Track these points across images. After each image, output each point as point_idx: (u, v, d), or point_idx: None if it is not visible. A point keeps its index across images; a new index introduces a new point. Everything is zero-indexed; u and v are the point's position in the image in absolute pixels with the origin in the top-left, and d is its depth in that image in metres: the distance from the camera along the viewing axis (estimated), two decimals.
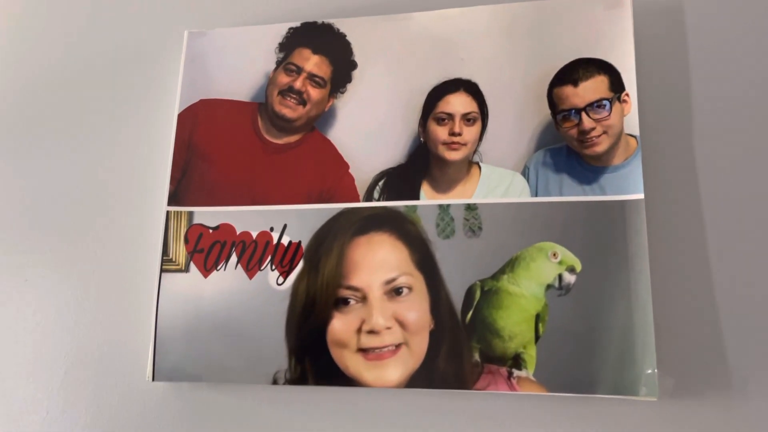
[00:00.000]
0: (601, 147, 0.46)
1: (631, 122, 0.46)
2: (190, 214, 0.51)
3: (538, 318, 0.44)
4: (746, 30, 0.48)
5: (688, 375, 0.43)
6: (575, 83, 0.47)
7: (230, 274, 0.49)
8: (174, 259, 0.50)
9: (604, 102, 0.47)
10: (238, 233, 0.50)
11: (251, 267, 0.49)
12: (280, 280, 0.49)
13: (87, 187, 0.55)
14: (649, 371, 0.41)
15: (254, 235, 0.50)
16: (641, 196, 0.44)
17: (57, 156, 0.57)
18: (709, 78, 0.48)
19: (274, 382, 0.47)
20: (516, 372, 0.44)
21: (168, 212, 0.51)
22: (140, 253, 0.52)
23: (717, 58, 0.48)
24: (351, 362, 0.46)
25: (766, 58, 0.48)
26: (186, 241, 0.51)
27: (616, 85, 0.47)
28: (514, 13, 0.50)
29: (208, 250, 0.50)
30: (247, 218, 0.50)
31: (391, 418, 0.46)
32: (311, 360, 0.47)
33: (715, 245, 0.44)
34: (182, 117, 0.53)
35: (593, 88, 0.47)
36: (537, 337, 0.44)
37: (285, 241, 0.49)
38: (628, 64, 0.47)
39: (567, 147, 0.47)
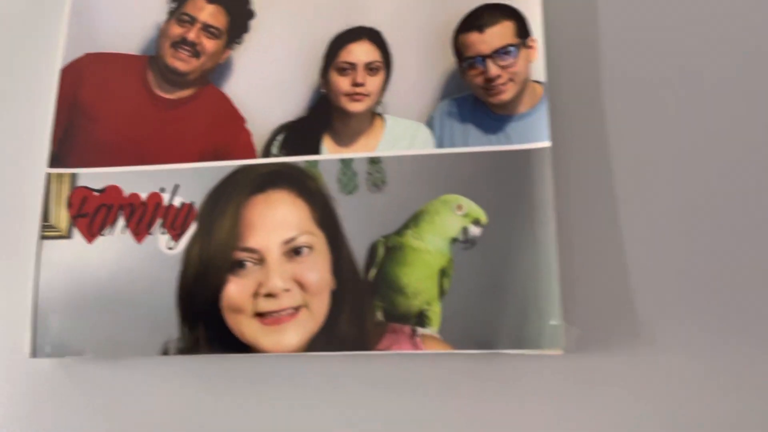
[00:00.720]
0: (507, 95, 0.44)
1: (537, 69, 0.44)
2: (74, 176, 0.47)
3: (442, 273, 0.42)
4: None
5: (594, 327, 0.41)
6: (481, 29, 0.45)
7: (117, 239, 0.45)
8: (55, 225, 0.46)
9: (510, 48, 0.45)
10: (125, 195, 0.46)
11: (140, 231, 0.46)
12: (172, 243, 0.45)
13: None
14: (554, 323, 0.40)
15: (143, 197, 0.46)
16: (547, 144, 0.43)
17: None
18: (618, 24, 0.46)
19: (165, 352, 0.43)
20: (420, 330, 0.41)
21: (49, 174, 0.47)
22: (17, 219, 0.47)
23: (626, 3, 0.47)
24: (247, 328, 0.43)
25: (676, 6, 0.47)
26: (69, 205, 0.46)
27: (522, 30, 0.45)
28: None
29: (93, 214, 0.46)
30: (136, 179, 0.46)
31: (291, 384, 0.43)
32: (205, 327, 0.43)
33: (623, 194, 0.43)
34: (66, 72, 0.49)
35: (499, 34, 0.45)
36: (442, 293, 0.42)
37: (177, 202, 0.46)
38: (534, 9, 0.45)
39: (473, 96, 0.45)
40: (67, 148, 0.48)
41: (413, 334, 0.42)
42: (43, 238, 0.46)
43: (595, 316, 0.41)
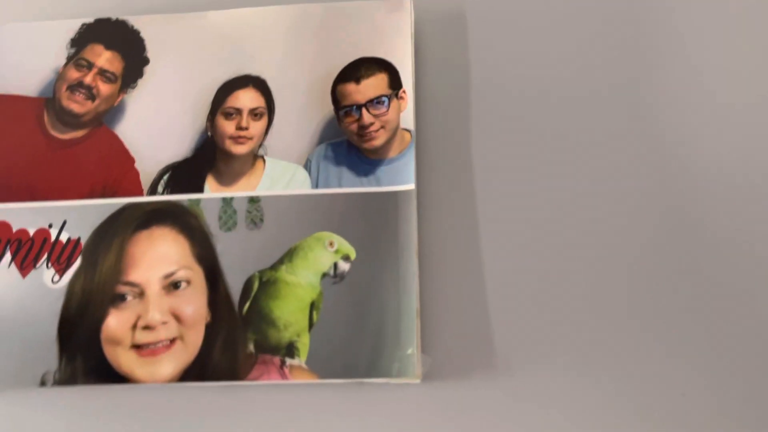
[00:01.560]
0: (379, 141, 0.48)
1: (407, 118, 0.48)
2: None
3: (312, 306, 0.45)
4: (525, 32, 0.52)
5: (453, 357, 0.44)
6: (357, 81, 0.49)
7: (2, 274, 0.47)
8: None
9: (383, 98, 0.49)
10: (14, 230, 0.48)
11: (25, 266, 0.47)
12: (56, 278, 0.46)
13: None
14: (409, 351, 0.43)
15: (31, 232, 0.48)
16: (412, 186, 0.46)
17: None
18: (486, 80, 0.51)
19: (42, 383, 0.44)
20: (289, 360, 0.44)
21: None
22: None
23: (495, 60, 0.51)
24: (124, 359, 0.44)
25: (543, 59, 0.51)
26: None
27: (395, 82, 0.49)
28: (302, 13, 0.51)
29: None
30: (26, 215, 0.48)
31: (163, 414, 0.44)
32: (83, 359, 0.44)
33: (484, 234, 0.47)
34: None
35: (374, 85, 0.49)
36: (311, 325, 0.44)
37: (63, 237, 0.47)
38: (407, 64, 0.49)
39: (348, 141, 0.48)
40: None
41: (282, 364, 0.44)
42: None
43: (453, 347, 0.44)
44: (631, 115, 0.49)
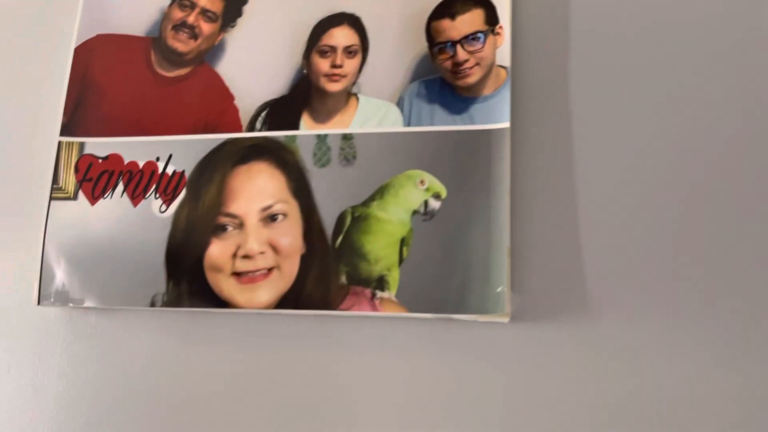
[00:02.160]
0: (473, 78, 0.47)
1: (503, 54, 0.47)
2: (82, 145, 0.52)
3: (403, 242, 0.45)
4: None
5: (543, 298, 0.44)
6: (452, 16, 0.48)
7: (116, 202, 0.50)
8: (64, 188, 0.51)
9: (479, 35, 0.48)
10: (125, 163, 0.51)
11: (136, 195, 0.50)
12: (163, 207, 0.50)
13: None
14: (499, 290, 0.43)
15: (141, 164, 0.51)
16: (507, 124, 0.45)
17: None
18: (580, 11, 0.48)
19: (152, 304, 0.48)
20: (379, 293, 0.45)
21: (60, 142, 0.52)
22: (32, 182, 0.53)
23: None
24: (225, 285, 0.47)
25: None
26: (76, 170, 0.52)
27: (491, 18, 0.48)
28: None
29: (96, 179, 0.51)
30: (135, 148, 0.51)
31: (259, 338, 0.47)
32: (188, 283, 0.48)
33: (579, 174, 0.45)
34: (79, 51, 0.54)
35: (469, 21, 0.48)
36: (401, 260, 0.45)
37: (170, 170, 0.50)
38: None
39: (441, 78, 0.48)
40: (76, 120, 0.53)
41: (373, 296, 0.45)
42: (53, 199, 0.51)
43: (544, 287, 0.44)
44: (737, 56, 0.46)
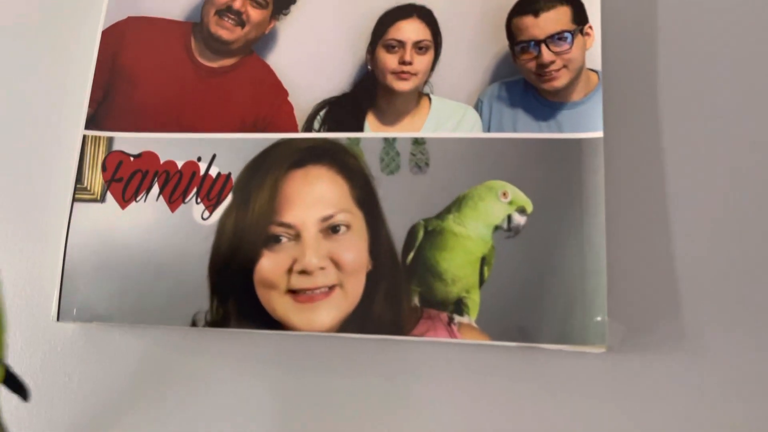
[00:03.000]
0: (560, 81, 0.43)
1: (593, 57, 0.43)
2: (110, 140, 0.46)
3: (483, 261, 0.41)
4: None
5: (639, 325, 0.40)
6: (536, 13, 0.44)
7: (150, 206, 0.44)
8: (89, 188, 0.45)
9: (566, 34, 0.43)
10: (161, 162, 0.45)
11: (174, 199, 0.45)
12: (206, 214, 0.44)
13: None
14: (599, 318, 0.38)
15: (180, 164, 0.45)
16: (600, 134, 0.41)
17: None
18: (677, 14, 0.45)
19: (193, 323, 0.42)
20: (457, 318, 0.40)
21: (85, 136, 0.46)
22: (51, 181, 0.47)
23: None
24: (279, 304, 0.42)
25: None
26: (104, 168, 0.46)
27: (579, 16, 0.43)
28: None
29: (127, 179, 0.45)
30: (173, 146, 0.45)
31: (321, 365, 0.41)
32: (235, 301, 0.42)
33: (674, 189, 0.42)
34: (106, 34, 0.48)
35: (554, 19, 0.44)
36: (481, 281, 0.40)
37: (213, 172, 0.45)
38: None
39: (524, 80, 0.43)
40: (104, 111, 0.47)
41: (450, 321, 0.40)
42: (76, 200, 0.45)
43: (640, 314, 0.40)
44: None
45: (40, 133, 0.48)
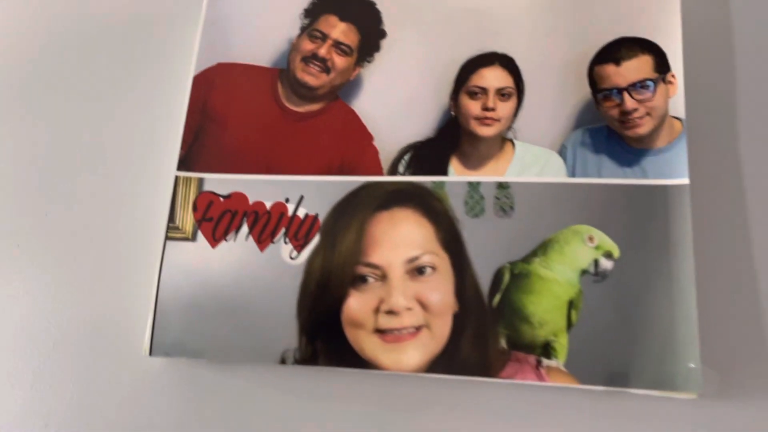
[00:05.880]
0: (644, 129, 0.44)
1: (677, 104, 0.44)
2: (201, 181, 0.48)
3: (571, 305, 0.41)
4: None
5: (731, 372, 0.40)
6: (617, 62, 0.45)
7: (240, 246, 0.46)
8: (181, 227, 0.47)
9: (648, 83, 0.44)
10: (250, 203, 0.47)
11: (263, 239, 0.46)
12: (294, 254, 0.45)
13: (92, 150, 0.52)
14: (692, 365, 0.38)
15: (268, 205, 0.47)
16: (686, 180, 0.42)
17: (62, 115, 0.53)
18: (756, 61, 0.46)
19: (282, 361, 0.43)
20: (545, 361, 0.41)
21: (177, 177, 0.48)
22: (144, 220, 0.49)
23: (764, 40, 0.46)
24: (367, 343, 0.43)
25: None
26: (195, 208, 0.47)
27: (661, 65, 0.45)
28: None
29: (217, 219, 0.47)
30: (262, 188, 0.47)
31: (409, 405, 0.42)
32: (324, 340, 0.43)
33: (760, 234, 0.42)
34: (198, 79, 0.50)
35: (636, 67, 0.45)
36: (569, 325, 0.41)
37: (301, 213, 0.46)
38: (675, 44, 0.45)
39: (607, 127, 0.44)
40: (195, 153, 0.49)
41: (538, 364, 0.41)
42: (168, 239, 0.47)
43: (731, 361, 0.40)
44: None
45: (135, 174, 0.51)
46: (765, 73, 0.45)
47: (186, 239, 0.47)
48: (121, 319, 0.47)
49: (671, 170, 0.42)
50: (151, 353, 0.45)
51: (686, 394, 0.38)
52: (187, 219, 0.47)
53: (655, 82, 0.44)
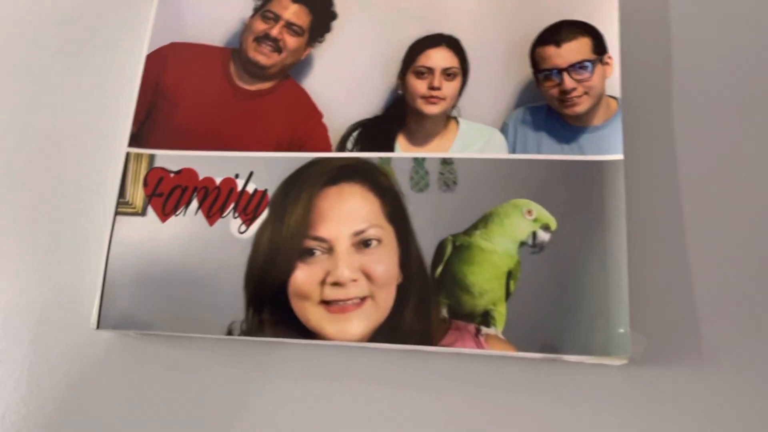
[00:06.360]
0: (582, 107, 0.45)
1: (613, 84, 0.46)
2: (152, 157, 0.48)
3: (509, 275, 0.43)
4: None
5: (659, 340, 0.41)
6: (558, 44, 0.47)
7: (189, 220, 0.47)
8: (131, 203, 0.48)
9: (587, 63, 0.46)
10: (200, 178, 0.48)
11: (212, 214, 0.47)
12: (243, 228, 0.46)
13: (43, 127, 0.52)
14: (621, 330, 0.40)
15: (218, 181, 0.47)
16: (620, 156, 0.43)
17: (14, 93, 0.53)
18: (692, 41, 0.48)
19: (229, 332, 0.44)
20: (484, 329, 0.42)
21: (128, 154, 0.49)
22: (95, 195, 0.49)
23: (699, 21, 0.48)
24: (313, 314, 0.43)
25: (748, 23, 0.48)
26: (145, 184, 0.48)
27: (599, 47, 0.46)
28: None
29: (167, 194, 0.47)
30: (212, 164, 0.48)
31: (353, 373, 0.43)
32: (270, 311, 0.44)
33: (691, 208, 0.44)
34: (150, 58, 0.51)
35: (576, 49, 0.46)
36: (508, 295, 0.42)
37: (250, 188, 0.47)
38: (612, 27, 0.46)
39: (547, 106, 0.46)
40: (147, 130, 0.49)
41: (477, 332, 0.42)
42: (118, 213, 0.47)
43: (660, 328, 0.42)
44: None
45: (87, 150, 0.51)
46: (697, 56, 0.47)
47: (136, 214, 0.47)
48: (72, 294, 0.47)
49: (606, 147, 0.44)
50: (98, 326, 0.45)
51: (616, 359, 0.40)
52: (137, 194, 0.48)
53: (593, 63, 0.46)
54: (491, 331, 0.42)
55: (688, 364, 0.41)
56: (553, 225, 0.43)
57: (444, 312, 0.43)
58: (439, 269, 0.43)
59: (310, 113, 0.48)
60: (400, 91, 0.48)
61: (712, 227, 0.43)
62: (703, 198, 0.44)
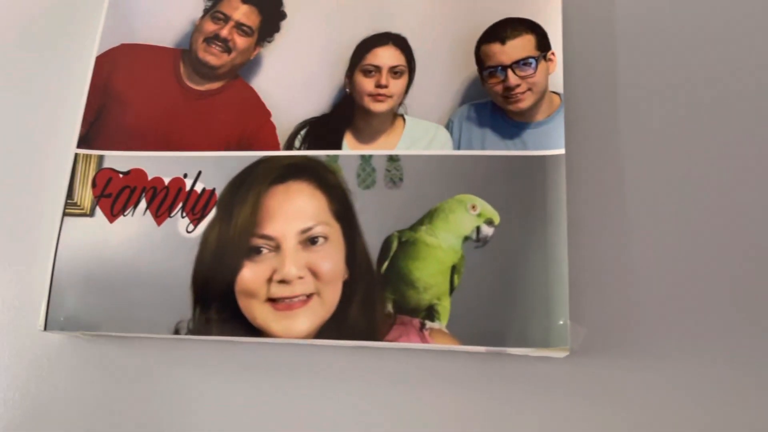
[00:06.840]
0: (525, 103, 0.46)
1: (556, 80, 0.46)
2: (100, 158, 0.48)
3: (453, 269, 0.43)
4: None
5: (601, 332, 0.42)
6: (503, 41, 0.47)
7: (137, 220, 0.47)
8: (79, 204, 0.47)
9: (530, 60, 0.47)
10: (149, 179, 0.48)
11: (160, 213, 0.47)
12: (191, 227, 0.46)
13: None
14: (561, 322, 0.40)
15: (166, 181, 0.47)
16: (562, 151, 0.44)
17: None
18: (630, 41, 0.48)
19: (176, 332, 0.44)
20: (429, 323, 0.42)
21: (77, 155, 0.48)
22: (43, 197, 0.49)
23: (641, 18, 0.49)
24: (259, 312, 0.44)
25: (691, 18, 0.49)
26: (94, 185, 0.48)
27: (543, 44, 0.47)
28: None
29: (116, 195, 0.47)
30: (161, 164, 0.48)
31: (299, 370, 0.43)
32: (217, 310, 0.44)
33: (632, 202, 0.44)
34: (100, 60, 0.51)
35: (520, 46, 0.47)
36: (452, 289, 0.43)
37: (198, 188, 0.47)
38: (555, 25, 0.47)
39: (492, 102, 0.46)
40: (96, 131, 0.49)
41: (422, 327, 0.42)
42: (66, 215, 0.47)
43: (601, 320, 0.42)
44: None
45: (34, 151, 0.51)
46: (639, 52, 0.48)
47: (84, 215, 0.47)
48: (19, 296, 0.47)
49: (549, 141, 0.45)
50: (46, 328, 0.45)
51: (557, 351, 0.40)
52: (85, 195, 0.48)
53: (536, 59, 0.47)
54: (435, 325, 0.42)
55: (629, 355, 0.41)
56: (497, 219, 0.43)
57: (389, 307, 0.43)
58: (385, 265, 0.44)
59: (259, 112, 0.48)
60: (347, 90, 0.48)
61: (651, 221, 0.44)
62: (642, 192, 0.44)
